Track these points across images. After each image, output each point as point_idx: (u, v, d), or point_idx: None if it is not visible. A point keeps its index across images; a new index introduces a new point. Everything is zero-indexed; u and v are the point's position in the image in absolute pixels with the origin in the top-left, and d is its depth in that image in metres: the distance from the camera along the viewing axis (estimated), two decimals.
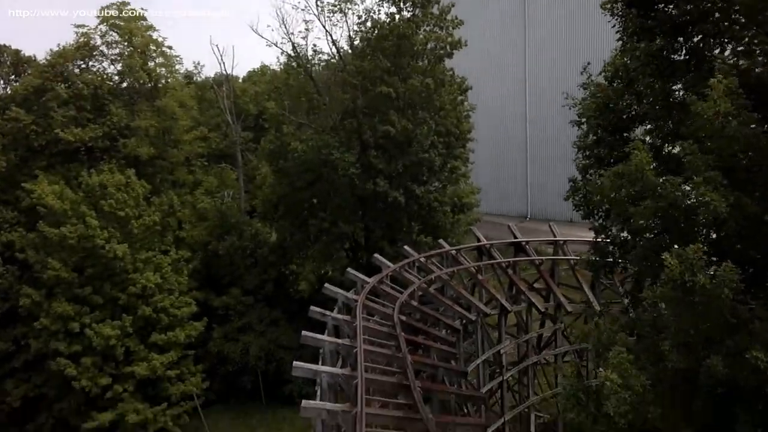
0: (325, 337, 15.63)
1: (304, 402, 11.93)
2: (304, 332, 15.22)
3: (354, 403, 11.84)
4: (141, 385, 32.96)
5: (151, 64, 37.97)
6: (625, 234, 12.77)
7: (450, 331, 19.40)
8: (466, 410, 14.35)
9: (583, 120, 14.99)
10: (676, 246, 10.01)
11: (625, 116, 14.28)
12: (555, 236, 26.59)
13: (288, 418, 33.85)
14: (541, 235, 30.09)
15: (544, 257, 25.26)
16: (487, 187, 42.82)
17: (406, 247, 24.35)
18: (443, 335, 18.27)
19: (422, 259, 23.20)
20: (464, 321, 21.40)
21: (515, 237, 26.33)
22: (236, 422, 34.65)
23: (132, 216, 32.60)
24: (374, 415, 11.96)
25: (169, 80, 39.31)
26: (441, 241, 25.63)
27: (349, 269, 20.90)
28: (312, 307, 17.38)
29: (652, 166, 11.05)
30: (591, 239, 27.67)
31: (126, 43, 37.05)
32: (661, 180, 10.74)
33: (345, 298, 18.97)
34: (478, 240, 25.79)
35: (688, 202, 10.06)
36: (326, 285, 19.31)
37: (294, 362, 14.72)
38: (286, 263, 37.53)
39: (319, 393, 14.24)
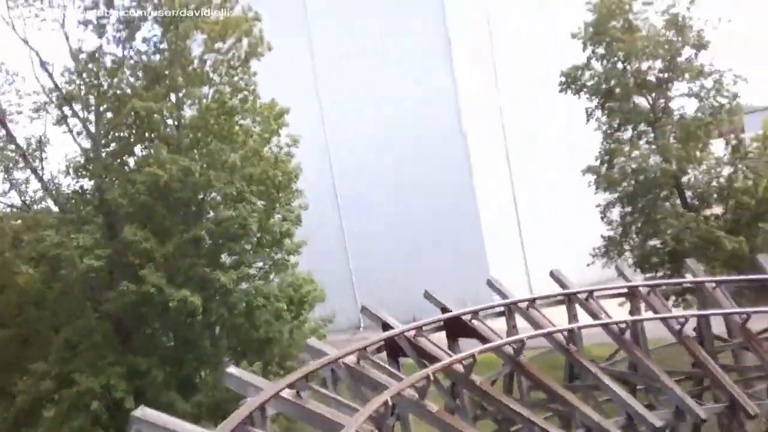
0: None
1: None
2: None
3: None
4: None
5: None
6: None
7: None
8: None
9: None
10: None
11: None
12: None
13: None
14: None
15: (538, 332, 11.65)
16: None
17: (234, 375, 8.95)
18: None
19: (287, 394, 8.14)
20: None
21: (445, 310, 12.48)
22: None
23: None
24: None
25: None
26: (313, 340, 10.50)
27: None
28: None
29: None
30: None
31: None
32: None
33: None
34: (385, 326, 11.42)
35: None
36: None
37: None
38: None
39: None
